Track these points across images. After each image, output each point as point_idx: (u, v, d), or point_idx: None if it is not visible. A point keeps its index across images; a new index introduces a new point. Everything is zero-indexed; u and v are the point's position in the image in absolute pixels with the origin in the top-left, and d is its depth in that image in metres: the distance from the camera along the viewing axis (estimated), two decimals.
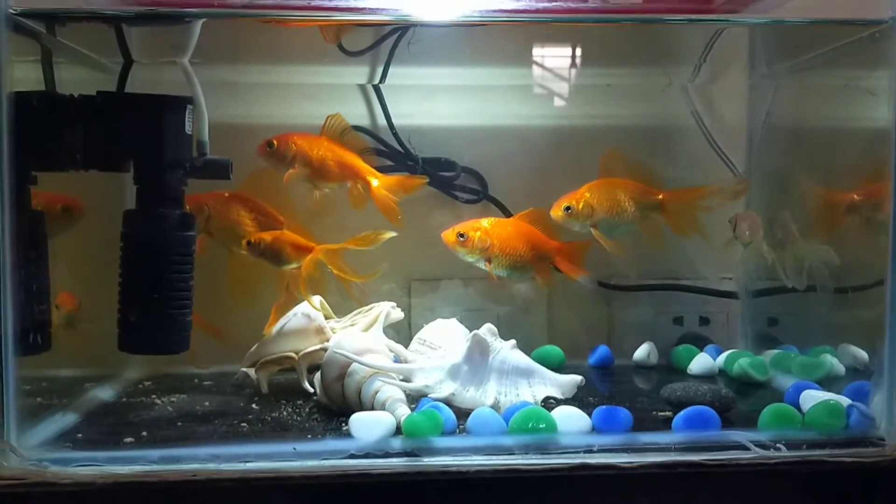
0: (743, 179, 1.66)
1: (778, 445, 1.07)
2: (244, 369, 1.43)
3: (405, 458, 1.04)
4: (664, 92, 1.69)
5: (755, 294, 1.69)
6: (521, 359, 1.29)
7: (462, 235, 1.44)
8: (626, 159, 1.51)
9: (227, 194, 1.44)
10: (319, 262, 1.40)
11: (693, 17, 1.37)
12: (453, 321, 1.46)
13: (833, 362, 1.47)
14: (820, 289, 1.39)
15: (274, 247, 1.39)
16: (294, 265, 1.40)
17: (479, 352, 1.25)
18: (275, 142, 1.40)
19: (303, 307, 1.41)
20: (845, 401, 1.18)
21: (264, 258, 1.40)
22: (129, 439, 1.13)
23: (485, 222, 1.46)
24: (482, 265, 1.46)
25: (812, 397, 1.22)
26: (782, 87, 1.64)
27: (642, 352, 1.64)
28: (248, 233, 1.42)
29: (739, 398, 1.26)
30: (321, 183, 1.42)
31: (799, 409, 1.20)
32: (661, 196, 1.49)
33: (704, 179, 1.60)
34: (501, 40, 1.67)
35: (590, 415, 1.15)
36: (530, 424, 1.11)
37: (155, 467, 1.01)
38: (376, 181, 1.44)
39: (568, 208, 1.45)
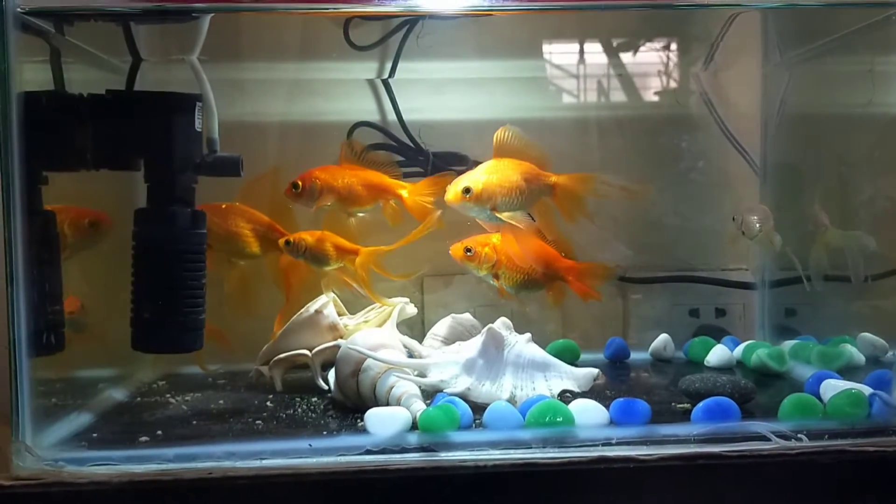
0: (646, 185, 1.52)
1: (799, 436, 1.06)
2: (258, 367, 1.43)
3: (422, 454, 1.04)
4: (680, 81, 1.67)
5: (772, 284, 1.67)
6: (537, 352, 1.28)
7: (469, 250, 1.39)
8: (519, 137, 1.38)
9: (223, 205, 1.43)
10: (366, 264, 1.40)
11: (705, 2, 1.35)
12: (467, 316, 1.45)
13: (853, 351, 1.46)
14: (854, 278, 1.36)
15: (316, 248, 1.39)
16: (334, 266, 1.40)
17: (494, 346, 1.24)
18: (299, 182, 1.39)
19: (315, 304, 1.41)
20: (867, 390, 1.16)
21: (304, 259, 1.40)
22: (144, 438, 1.13)
23: (495, 238, 1.40)
24: (491, 281, 1.42)
25: (833, 387, 1.20)
26: (796, 74, 1.62)
27: (658, 344, 1.63)
28: (247, 243, 1.42)
29: (758, 389, 1.24)
30: (353, 209, 1.42)
31: (819, 398, 1.18)
32: (552, 179, 1.38)
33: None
34: (510, 32, 1.66)
35: (607, 407, 1.14)
36: (547, 418, 1.10)
37: (170, 466, 1.01)
38: (406, 192, 1.43)
39: (468, 190, 1.31)
